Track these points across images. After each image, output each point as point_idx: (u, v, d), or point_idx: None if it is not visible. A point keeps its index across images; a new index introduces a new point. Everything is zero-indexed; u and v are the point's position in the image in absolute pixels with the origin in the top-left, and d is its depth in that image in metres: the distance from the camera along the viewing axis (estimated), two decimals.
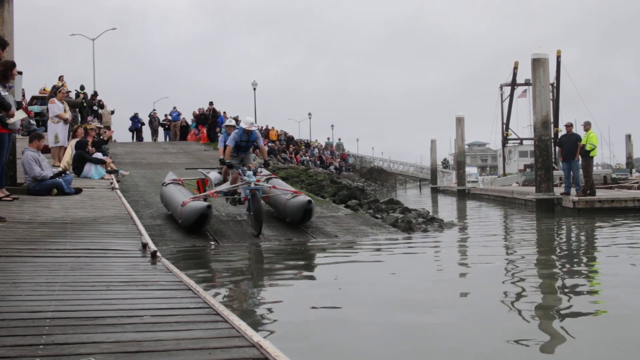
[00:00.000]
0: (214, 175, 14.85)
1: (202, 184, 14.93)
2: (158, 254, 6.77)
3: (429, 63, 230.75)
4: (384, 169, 63.25)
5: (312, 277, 9.15)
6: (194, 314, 4.12)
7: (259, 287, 8.35)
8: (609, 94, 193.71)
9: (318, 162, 43.14)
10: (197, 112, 37.82)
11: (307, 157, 43.13)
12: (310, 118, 78.66)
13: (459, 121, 41.13)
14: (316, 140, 63.93)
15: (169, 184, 14.88)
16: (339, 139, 67.79)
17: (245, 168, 13.45)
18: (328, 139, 65.44)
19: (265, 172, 15.49)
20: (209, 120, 35.92)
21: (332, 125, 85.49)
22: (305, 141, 56.38)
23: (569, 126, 20.96)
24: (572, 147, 20.00)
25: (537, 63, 21.56)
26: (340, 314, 6.57)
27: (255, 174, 13.25)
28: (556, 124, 41.27)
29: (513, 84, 50.78)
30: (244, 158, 14.04)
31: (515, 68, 49.64)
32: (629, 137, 57.18)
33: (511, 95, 51.01)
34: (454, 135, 43.67)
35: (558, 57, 48.54)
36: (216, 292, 7.56)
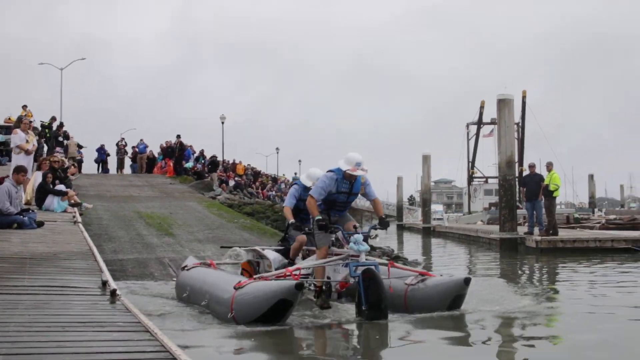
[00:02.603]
0: (272, 255, 9.85)
1: (251, 269, 10.09)
2: (118, 292, 6.68)
3: (395, 100, 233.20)
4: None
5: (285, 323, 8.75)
6: (150, 358, 4.06)
7: (224, 330, 7.95)
8: (572, 133, 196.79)
9: (284, 198, 43.12)
10: (165, 145, 37.71)
11: (274, 192, 43.07)
12: (277, 153, 78.92)
13: (425, 159, 41.45)
14: (283, 174, 64.06)
15: (192, 267, 10.14)
16: (295, 174, 67.70)
17: (347, 232, 8.60)
18: (295, 173, 65.32)
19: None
20: (176, 153, 35.83)
21: (300, 160, 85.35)
22: (272, 176, 56.41)
23: (532, 166, 21.25)
24: (535, 187, 20.25)
25: (503, 104, 21.87)
26: None
27: (367, 239, 8.59)
28: (521, 163, 41.84)
29: (479, 123, 51.49)
30: (337, 221, 8.95)
31: (482, 107, 50.43)
32: (591, 176, 58.16)
33: (477, 134, 51.73)
34: (420, 172, 43.93)
35: (523, 98, 49.40)
36: (176, 334, 7.34)
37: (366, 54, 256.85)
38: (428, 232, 38.20)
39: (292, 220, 9.37)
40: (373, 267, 8.10)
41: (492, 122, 46.52)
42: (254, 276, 8.55)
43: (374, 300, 7.81)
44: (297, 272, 8.36)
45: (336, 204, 8.94)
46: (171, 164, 35.66)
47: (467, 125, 53.05)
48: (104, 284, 7.17)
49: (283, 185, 49.47)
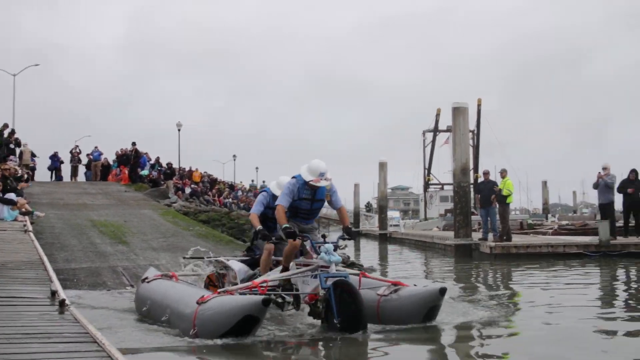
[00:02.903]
0: (237, 265, 9.45)
1: (216, 281, 9.78)
2: (67, 302, 6.58)
3: (350, 108, 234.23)
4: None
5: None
6: None
7: (180, 344, 7.56)
8: (525, 141, 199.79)
9: (242, 205, 42.90)
10: (120, 152, 37.28)
11: (231, 200, 42.83)
12: (234, 160, 78.63)
13: (382, 166, 41.59)
14: (240, 182, 63.70)
15: (153, 279, 9.62)
16: (264, 182, 67.50)
17: (317, 240, 8.29)
18: (252, 181, 65.17)
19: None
20: (131, 160, 35.45)
21: (257, 168, 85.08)
22: (230, 183, 56.09)
23: (486, 173, 21.52)
24: (489, 194, 20.50)
25: (457, 112, 22.07)
26: None
27: (336, 249, 8.08)
28: (476, 170, 42.36)
29: (435, 131, 51.97)
30: (304, 230, 8.66)
31: (438, 115, 50.92)
32: (545, 183, 58.98)
33: (433, 141, 52.24)
34: (377, 179, 44.09)
35: (479, 106, 50.09)
36: (124, 345, 7.20)
37: (324, 63, 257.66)
38: (384, 239, 38.33)
39: (259, 227, 8.87)
40: (344, 277, 7.76)
41: (448, 130, 46.97)
42: (219, 290, 8.01)
43: (351, 313, 7.42)
44: (264, 285, 7.86)
45: (299, 212, 8.61)
46: (126, 172, 35.26)
47: (424, 133, 53.51)
48: (53, 294, 7.07)
49: (240, 193, 49.27)
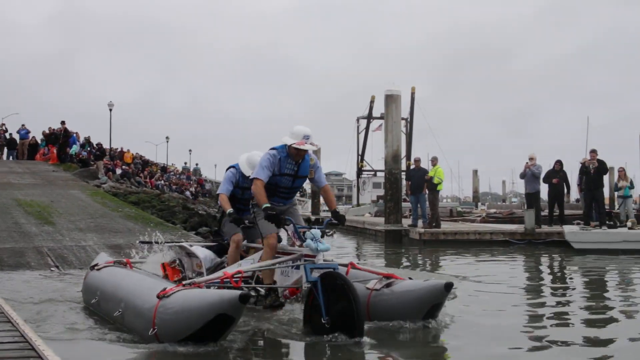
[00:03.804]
0: (202, 252, 8.30)
1: (176, 271, 8.48)
2: None
3: (285, 92, 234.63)
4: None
5: None
6: (8, 349, 3.90)
7: (93, 320, 7.60)
8: (458, 129, 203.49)
9: (174, 187, 42.42)
10: (48, 131, 36.37)
11: (163, 182, 42.31)
12: (167, 142, 77.66)
13: (316, 151, 41.71)
14: (173, 164, 62.99)
15: (104, 267, 8.47)
16: (197, 164, 66.93)
17: (300, 225, 7.26)
18: (185, 163, 64.41)
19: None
20: (60, 140, 34.60)
21: (190, 150, 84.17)
22: (162, 165, 55.39)
23: (417, 161, 21.79)
24: (420, 181, 20.77)
25: (390, 99, 22.23)
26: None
27: (323, 236, 7.04)
28: (408, 158, 42.76)
29: (369, 117, 52.22)
30: (285, 211, 7.58)
31: (372, 102, 51.13)
32: (475, 172, 60.05)
33: (367, 128, 52.47)
34: None
35: (412, 94, 50.50)
36: (42, 325, 7.01)
37: (258, 44, 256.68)
38: (317, 223, 38.41)
39: (230, 210, 7.90)
40: (333, 269, 6.71)
41: (381, 117, 47.31)
42: (184, 282, 6.67)
43: (343, 312, 6.30)
44: (238, 276, 6.73)
45: (279, 190, 7.42)
46: (55, 151, 34.42)
47: (358, 119, 53.71)
48: None
49: (172, 175, 48.73)
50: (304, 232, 6.91)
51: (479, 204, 55.68)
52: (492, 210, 33.78)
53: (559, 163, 20.32)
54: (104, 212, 18.92)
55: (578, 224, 19.54)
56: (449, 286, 6.90)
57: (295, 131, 7.21)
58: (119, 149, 43.79)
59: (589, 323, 7.99)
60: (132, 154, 43.85)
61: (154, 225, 17.20)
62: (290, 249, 7.25)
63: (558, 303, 9.56)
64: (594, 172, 18.88)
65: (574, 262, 15.24)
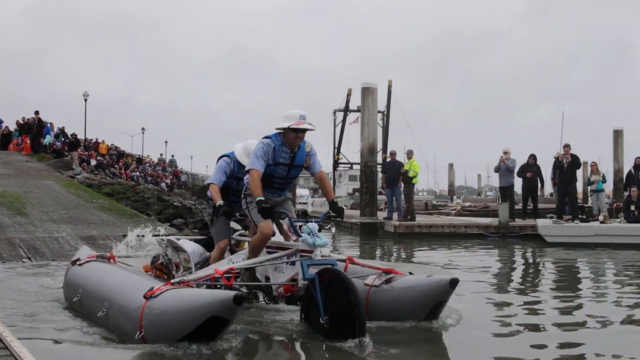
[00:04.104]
0: (190, 246, 7.94)
1: (163, 268, 8.13)
2: None
3: (262, 85, 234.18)
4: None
5: None
6: None
7: (75, 319, 7.11)
8: (434, 124, 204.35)
9: (149, 179, 42.17)
10: (22, 121, 35.99)
11: (138, 173, 42.06)
12: (143, 133, 77.10)
13: None
14: (148, 155, 62.65)
15: (86, 262, 7.92)
16: (172, 156, 66.65)
17: (294, 218, 6.86)
18: (161, 155, 64.12)
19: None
20: (34, 130, 34.26)
21: (166, 142, 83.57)
22: (137, 156, 55.05)
23: (392, 154, 21.84)
24: (395, 174, 20.85)
25: (367, 92, 22.27)
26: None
27: (320, 229, 6.53)
28: (385, 151, 42.85)
29: (346, 110, 52.23)
30: (279, 203, 7.12)
31: (349, 95, 51.14)
32: (451, 165, 60.40)
33: (343, 121, 52.47)
34: None
35: (389, 87, 50.60)
36: (19, 325, 6.64)
37: (236, 38, 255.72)
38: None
39: (220, 202, 7.31)
40: (331, 264, 6.32)
41: (358, 110, 47.38)
42: (172, 280, 6.15)
43: (343, 312, 5.90)
44: (231, 274, 6.34)
45: (273, 180, 6.90)
46: (28, 141, 34.07)
47: (334, 112, 53.68)
48: None
49: (148, 166, 48.47)
50: (300, 227, 6.49)
51: (455, 197, 56.00)
52: (467, 204, 33.94)
53: (532, 157, 20.48)
54: (77, 203, 18.77)
55: (551, 217, 19.72)
56: (454, 282, 6.42)
57: (289, 114, 6.76)
58: (94, 140, 43.48)
59: (559, 311, 8.19)
60: (107, 145, 43.56)
61: (129, 217, 17.13)
62: (285, 244, 6.85)
63: (528, 293, 9.69)
64: (567, 167, 19.07)
65: (546, 255, 15.40)
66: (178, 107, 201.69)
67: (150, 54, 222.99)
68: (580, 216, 19.22)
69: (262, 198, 6.47)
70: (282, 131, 6.81)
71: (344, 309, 5.89)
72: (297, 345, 6.18)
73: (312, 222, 6.47)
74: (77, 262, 7.99)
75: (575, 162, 19.22)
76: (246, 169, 6.89)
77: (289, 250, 6.66)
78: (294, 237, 6.73)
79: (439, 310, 6.63)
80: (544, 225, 18.31)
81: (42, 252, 12.52)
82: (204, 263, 7.67)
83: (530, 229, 18.83)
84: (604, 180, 22.97)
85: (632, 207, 18.54)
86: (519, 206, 22.09)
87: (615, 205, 24.20)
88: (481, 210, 27.33)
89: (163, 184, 41.71)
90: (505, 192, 20.70)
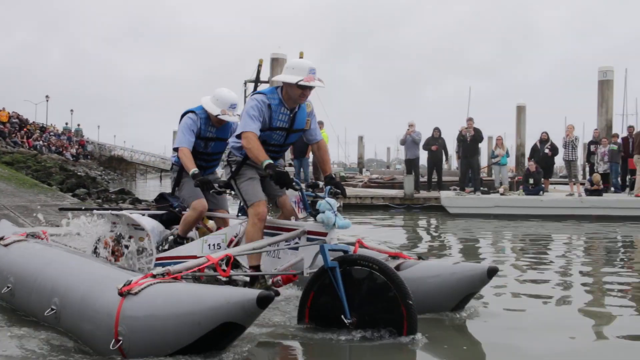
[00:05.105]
0: (148, 223, 6.35)
1: (116, 250, 6.55)
2: None
3: (170, 52, 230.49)
4: (124, 158, 61.53)
5: None
6: None
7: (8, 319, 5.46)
8: (345, 96, 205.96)
9: (53, 148, 41.00)
10: None
11: (41, 142, 40.82)
12: (47, 101, 74.61)
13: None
14: (52, 124, 60.73)
15: (14, 242, 6.26)
16: (78, 125, 64.79)
17: (309, 191, 5.66)
18: (67, 124, 62.23)
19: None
20: None
21: (72, 110, 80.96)
22: (41, 125, 53.34)
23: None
24: (303, 146, 20.87)
25: (276, 62, 22.30)
26: None
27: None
28: None
29: (256, 81, 51.68)
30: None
31: (260, 65, 50.69)
32: (361, 138, 61.00)
33: (254, 92, 52.12)
34: None
35: (300, 59, 50.46)
36: None
37: (144, 7, 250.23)
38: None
39: (194, 170, 6.02)
40: (345, 251, 5.13)
41: (269, 81, 47.18)
42: (153, 271, 4.63)
43: (381, 310, 4.83)
44: (227, 262, 4.98)
45: (266, 149, 5.44)
46: None
47: (245, 83, 53.13)
48: None
49: (52, 135, 47.07)
50: (311, 202, 5.32)
51: (364, 169, 56.62)
52: (375, 176, 34.35)
53: (437, 130, 20.93)
54: None
55: (454, 189, 20.24)
56: (492, 272, 5.50)
57: (295, 64, 5.46)
58: None
59: None
60: (8, 113, 41.99)
61: (29, 187, 16.63)
62: (287, 223, 5.59)
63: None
64: (470, 140, 19.56)
65: (447, 225, 15.80)
66: (83, 74, 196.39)
67: (54, 16, 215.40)
68: (481, 188, 19.78)
69: (271, 161, 5.20)
70: (279, 86, 5.54)
71: (382, 307, 4.82)
72: (300, 345, 5.02)
73: (324, 196, 5.24)
74: (1, 242, 6.28)
75: (477, 135, 19.73)
76: (236, 133, 5.60)
77: (295, 232, 5.35)
78: (301, 215, 5.58)
79: (467, 301, 5.77)
80: (447, 196, 18.76)
81: None
82: (162, 243, 6.32)
83: (434, 201, 19.27)
84: (507, 155, 23.66)
85: (531, 180, 19.21)
86: (424, 178, 22.56)
87: (516, 178, 25.01)
88: (387, 182, 27.72)
89: (68, 154, 40.65)
90: (411, 164, 21.10)
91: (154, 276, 4.50)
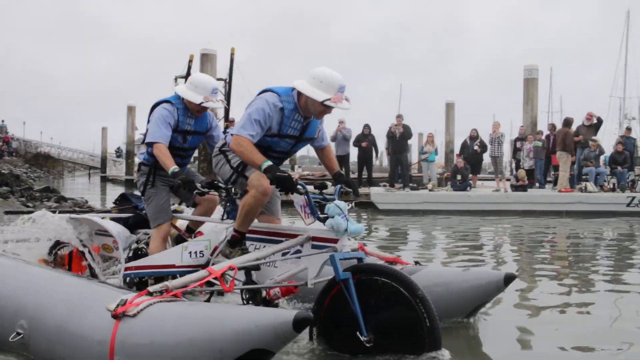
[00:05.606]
0: (115, 228, 5.64)
1: (77, 258, 5.82)
2: None
3: (99, 48, 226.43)
4: (51, 155, 60.18)
5: None
6: None
7: None
8: None
9: None
10: None
11: None
12: None
13: (130, 110, 40.47)
14: None
15: None
16: (2, 121, 62.96)
17: (322, 195, 4.86)
18: (3, 121, 60.51)
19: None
20: None
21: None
22: None
23: (231, 121, 21.87)
24: None
25: (206, 58, 22.20)
26: None
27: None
28: (227, 119, 42.68)
29: (187, 77, 51.22)
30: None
31: (190, 61, 50.18)
32: None
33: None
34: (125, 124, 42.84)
35: (232, 55, 50.14)
36: None
37: (66, 2, 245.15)
38: (131, 184, 37.66)
39: (175, 168, 5.19)
40: (360, 258, 4.62)
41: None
42: (150, 288, 3.97)
43: (402, 326, 4.29)
44: (231, 276, 4.25)
45: (270, 155, 4.89)
46: None
47: (176, 79, 52.46)
48: None
49: None
50: (318, 204, 4.70)
51: (296, 166, 56.68)
52: (306, 173, 34.46)
53: (367, 127, 21.10)
54: None
55: (384, 185, 20.44)
56: (509, 279, 5.19)
57: (325, 79, 4.72)
58: None
59: None
60: None
61: None
62: (287, 229, 5.04)
63: None
64: (399, 137, 19.80)
65: (377, 221, 15.95)
66: (8, 68, 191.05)
67: None
68: (410, 184, 20.02)
69: (271, 163, 4.58)
70: (294, 88, 4.89)
71: (403, 322, 4.30)
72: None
73: (333, 199, 4.68)
74: None
75: (406, 132, 19.98)
76: (232, 132, 4.92)
77: (298, 238, 4.76)
78: (308, 220, 4.77)
79: (479, 310, 5.46)
80: (376, 192, 18.93)
81: None
82: (128, 248, 5.65)
83: (364, 197, 19.41)
84: (436, 153, 24.00)
85: (458, 176, 19.55)
86: (354, 175, 22.71)
87: (445, 174, 25.38)
88: (318, 178, 27.82)
89: None
90: (341, 160, 21.21)
91: (150, 294, 3.86)
